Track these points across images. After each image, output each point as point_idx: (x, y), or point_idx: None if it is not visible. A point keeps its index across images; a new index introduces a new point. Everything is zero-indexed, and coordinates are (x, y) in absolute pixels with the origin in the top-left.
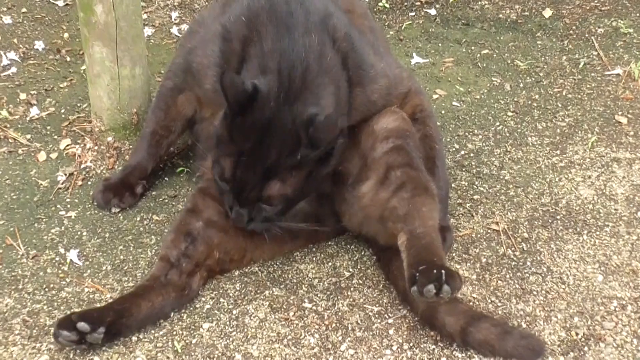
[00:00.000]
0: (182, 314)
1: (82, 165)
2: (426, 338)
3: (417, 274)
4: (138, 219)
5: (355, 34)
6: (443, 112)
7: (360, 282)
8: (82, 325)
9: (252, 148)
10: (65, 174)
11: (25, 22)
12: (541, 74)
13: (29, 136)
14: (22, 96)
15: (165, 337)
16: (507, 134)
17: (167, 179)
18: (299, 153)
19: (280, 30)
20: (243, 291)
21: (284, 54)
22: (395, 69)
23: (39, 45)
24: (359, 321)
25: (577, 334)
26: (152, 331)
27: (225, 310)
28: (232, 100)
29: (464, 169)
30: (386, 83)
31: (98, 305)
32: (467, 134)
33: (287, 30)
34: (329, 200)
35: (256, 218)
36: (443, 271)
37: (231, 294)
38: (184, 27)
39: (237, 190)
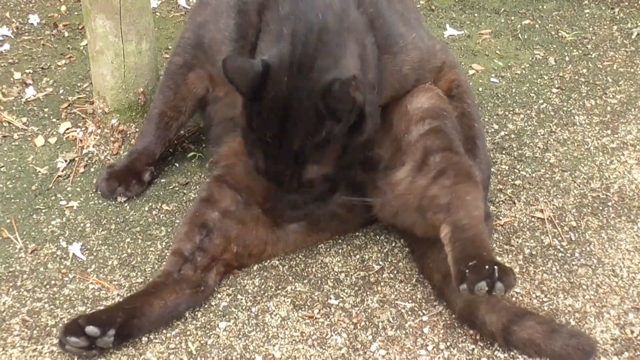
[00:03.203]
0: (197, 313)
1: (84, 151)
2: (464, 337)
3: (467, 271)
4: (146, 208)
5: (382, 1)
6: (480, 89)
7: (392, 276)
8: (91, 329)
9: (275, 135)
10: (66, 160)
11: None
12: (589, 46)
13: (24, 119)
14: (17, 75)
15: (178, 338)
16: (552, 113)
17: (177, 165)
18: (324, 129)
19: None
20: (263, 287)
21: (300, 15)
22: (428, 41)
23: (34, 19)
24: (391, 319)
25: (632, 331)
26: (164, 331)
27: (244, 308)
28: (241, 87)
29: (504, 152)
30: (418, 55)
31: (104, 303)
32: (507, 113)
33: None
34: (359, 188)
35: (307, 202)
36: (495, 267)
37: (250, 291)
38: None
39: (277, 182)
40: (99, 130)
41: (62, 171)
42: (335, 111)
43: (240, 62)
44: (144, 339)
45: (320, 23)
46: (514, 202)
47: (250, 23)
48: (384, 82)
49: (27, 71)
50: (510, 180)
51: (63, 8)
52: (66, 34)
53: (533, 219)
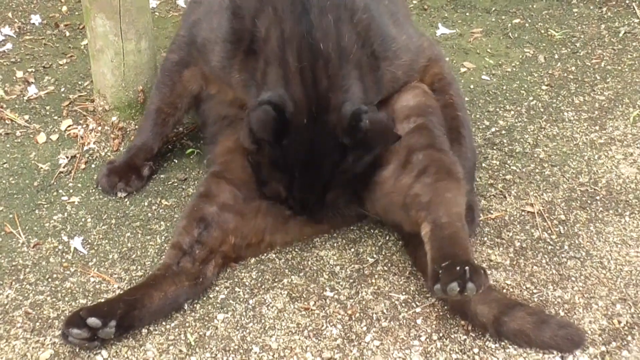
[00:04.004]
0: (195, 305)
1: (85, 147)
2: (457, 328)
3: (440, 271)
4: (146, 203)
5: (374, 5)
6: (472, 86)
7: (385, 268)
8: (93, 321)
9: (303, 170)
10: (67, 157)
11: None
12: (578, 44)
13: (27, 117)
14: (19, 74)
15: (177, 329)
16: (542, 109)
17: (176, 160)
18: (350, 159)
19: (294, 8)
20: (260, 280)
21: (302, 46)
22: (417, 40)
23: (36, 19)
24: (385, 310)
25: (619, 322)
26: (164, 323)
27: (241, 300)
28: (267, 137)
29: (495, 147)
30: (409, 58)
31: (105, 296)
32: (498, 109)
33: (302, 8)
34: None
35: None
36: (467, 268)
37: (247, 283)
38: None
39: (299, 208)
40: (99, 128)
41: (64, 167)
42: (368, 144)
43: (259, 114)
44: (144, 330)
45: (324, 57)
46: (505, 197)
47: (245, 27)
48: (382, 88)
49: (29, 70)
50: (501, 175)
51: (64, 8)
52: (67, 34)
53: (523, 213)
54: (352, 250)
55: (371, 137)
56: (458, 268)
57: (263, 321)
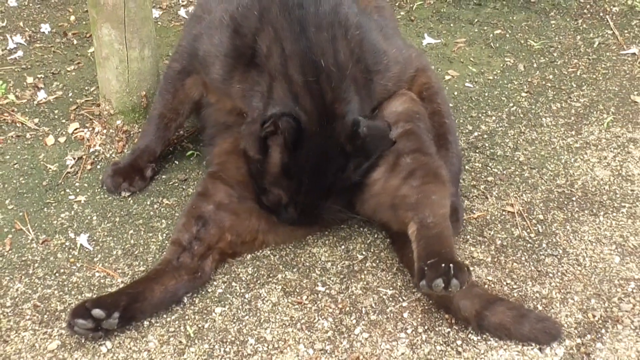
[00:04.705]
0: (194, 299)
1: (91, 149)
2: (441, 321)
3: (426, 268)
4: (148, 202)
5: (365, 21)
6: (456, 93)
7: (374, 265)
8: (97, 312)
9: (311, 176)
10: (74, 158)
11: (30, 4)
12: (555, 54)
13: (36, 120)
14: (29, 80)
15: (177, 322)
16: (521, 115)
17: (177, 162)
18: (352, 165)
19: (293, 27)
20: (255, 275)
21: (304, 62)
22: (406, 52)
23: (45, 28)
24: (373, 304)
25: (594, 316)
26: (164, 316)
27: (238, 294)
28: (289, 145)
29: (477, 151)
30: (398, 70)
31: (109, 290)
32: (480, 115)
33: (301, 25)
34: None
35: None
36: (451, 265)
37: (243, 278)
38: (192, 9)
39: (297, 212)
40: (104, 131)
41: (71, 168)
42: (366, 150)
43: (291, 122)
44: (146, 322)
45: (325, 70)
46: (487, 197)
47: (247, 44)
48: (374, 99)
49: (39, 76)
50: (483, 177)
51: (72, 18)
52: (75, 42)
53: (504, 213)
54: (343, 247)
55: (369, 143)
56: (443, 265)
57: (258, 314)
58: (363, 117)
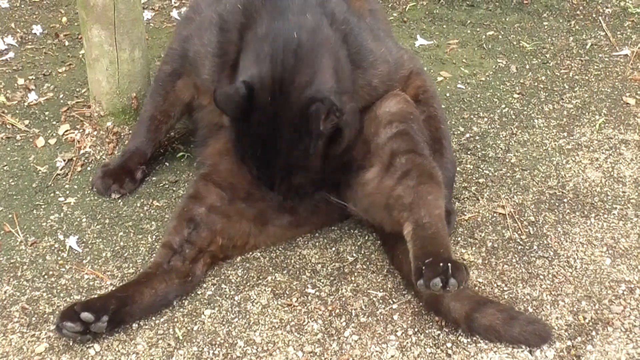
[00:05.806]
0: (184, 301)
1: (81, 151)
2: (431, 324)
3: (424, 268)
4: (138, 204)
5: (353, 20)
6: (448, 94)
7: (364, 267)
8: (86, 315)
9: (264, 148)
10: (64, 160)
11: (22, 5)
12: (547, 55)
13: (27, 122)
14: (20, 81)
15: (166, 324)
16: (513, 117)
17: (167, 164)
18: (304, 143)
19: (274, 13)
20: (245, 277)
21: (277, 35)
22: (396, 53)
23: (37, 29)
24: (363, 307)
25: (584, 318)
26: (153, 318)
27: (227, 296)
28: (232, 114)
29: (469, 152)
30: (386, 69)
31: (98, 292)
32: (472, 116)
33: (281, 13)
34: (335, 187)
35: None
36: (449, 264)
37: (233, 280)
38: (184, 10)
39: (270, 188)
40: (95, 132)
41: (61, 170)
42: (314, 130)
43: (225, 92)
44: (135, 325)
45: (296, 41)
46: (478, 199)
47: (231, 40)
48: (356, 95)
49: (30, 77)
50: (474, 178)
51: (64, 19)
52: (67, 43)
53: (495, 214)
54: (333, 249)
55: (315, 121)
56: (441, 265)
57: (248, 317)
58: (326, 95)
